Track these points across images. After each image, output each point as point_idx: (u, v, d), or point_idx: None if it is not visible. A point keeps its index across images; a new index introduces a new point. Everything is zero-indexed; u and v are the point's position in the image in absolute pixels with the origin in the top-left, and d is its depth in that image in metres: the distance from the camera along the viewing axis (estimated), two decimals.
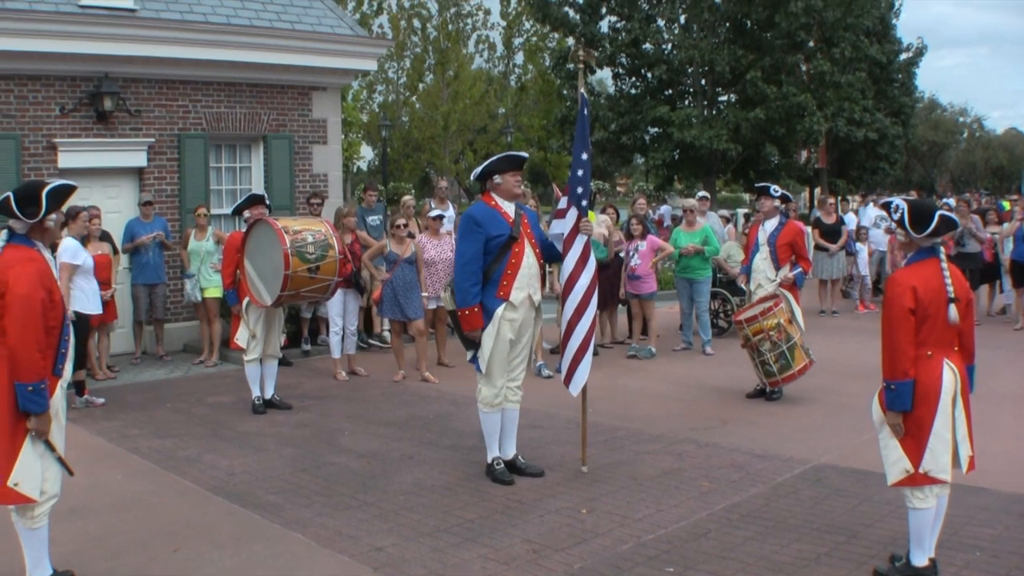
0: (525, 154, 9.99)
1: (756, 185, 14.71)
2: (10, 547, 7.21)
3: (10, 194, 6.60)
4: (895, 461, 6.87)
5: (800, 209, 26.21)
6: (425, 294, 14.85)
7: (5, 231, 6.65)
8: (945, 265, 6.80)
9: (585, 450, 10.03)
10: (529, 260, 9.46)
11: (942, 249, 6.91)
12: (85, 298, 13.03)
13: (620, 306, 17.81)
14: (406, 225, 15.13)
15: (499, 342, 9.33)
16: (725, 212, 24.55)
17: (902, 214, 6.81)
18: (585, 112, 10.12)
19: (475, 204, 9.91)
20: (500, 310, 9.29)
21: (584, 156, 9.92)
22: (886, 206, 7.18)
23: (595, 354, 16.22)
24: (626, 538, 7.94)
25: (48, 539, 6.77)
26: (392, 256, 14.74)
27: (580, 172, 9.88)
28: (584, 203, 9.77)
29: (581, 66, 10.48)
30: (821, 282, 22.18)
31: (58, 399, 6.67)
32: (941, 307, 6.71)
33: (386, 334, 17.54)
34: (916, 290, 6.66)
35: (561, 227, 9.91)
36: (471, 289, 9.26)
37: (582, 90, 10.34)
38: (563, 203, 10.06)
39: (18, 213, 6.51)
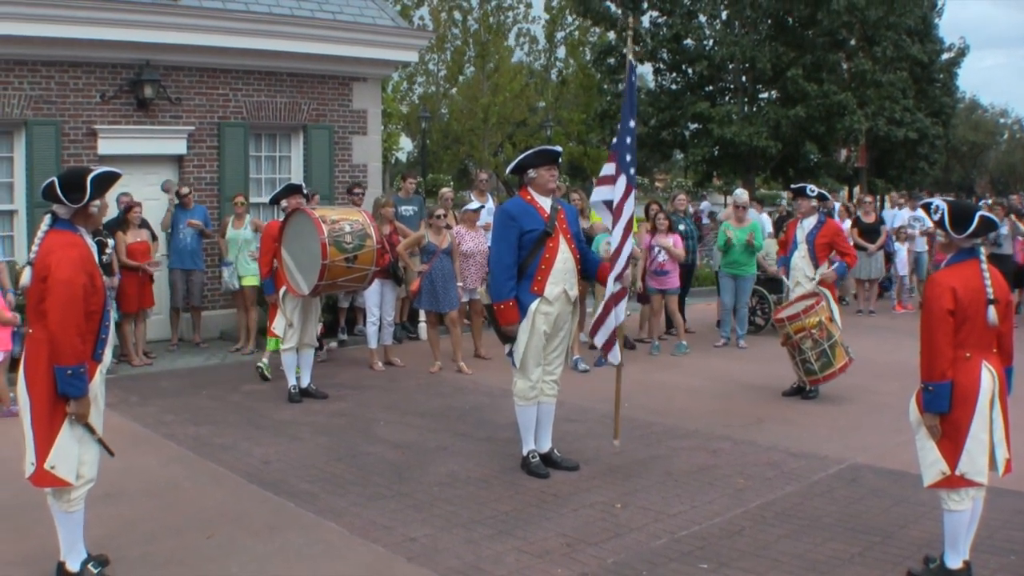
0: (559, 148, 9.94)
1: (792, 186, 14.66)
2: (44, 531, 7.25)
3: (55, 179, 6.62)
4: (932, 463, 6.83)
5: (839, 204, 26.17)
6: (460, 284, 14.83)
7: (48, 216, 6.67)
8: (985, 266, 6.75)
9: (618, 424, 10.02)
10: (564, 255, 9.42)
11: (982, 250, 6.86)
12: None
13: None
14: (444, 215, 15.12)
15: (534, 336, 9.32)
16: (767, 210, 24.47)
17: (942, 215, 6.77)
18: (634, 79, 10.09)
19: (511, 199, 9.89)
20: (535, 304, 9.27)
21: (632, 124, 9.86)
22: (926, 207, 7.12)
23: (632, 348, 16.39)
24: (660, 534, 7.92)
25: (83, 523, 6.79)
26: (431, 247, 14.75)
27: (628, 140, 9.83)
28: (632, 171, 9.73)
29: (630, 32, 10.46)
30: (859, 282, 22.09)
31: (97, 384, 6.70)
32: (980, 309, 6.65)
33: (421, 326, 17.56)
34: (956, 291, 6.61)
35: (608, 194, 9.88)
36: (506, 284, 9.26)
37: (630, 57, 10.27)
38: (609, 169, 9.98)
39: (63, 198, 6.53)
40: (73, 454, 6.57)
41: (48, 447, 6.45)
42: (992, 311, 6.65)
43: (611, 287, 9.69)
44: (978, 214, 6.72)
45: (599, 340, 9.96)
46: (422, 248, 14.91)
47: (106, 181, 6.73)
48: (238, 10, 17.61)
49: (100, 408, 6.82)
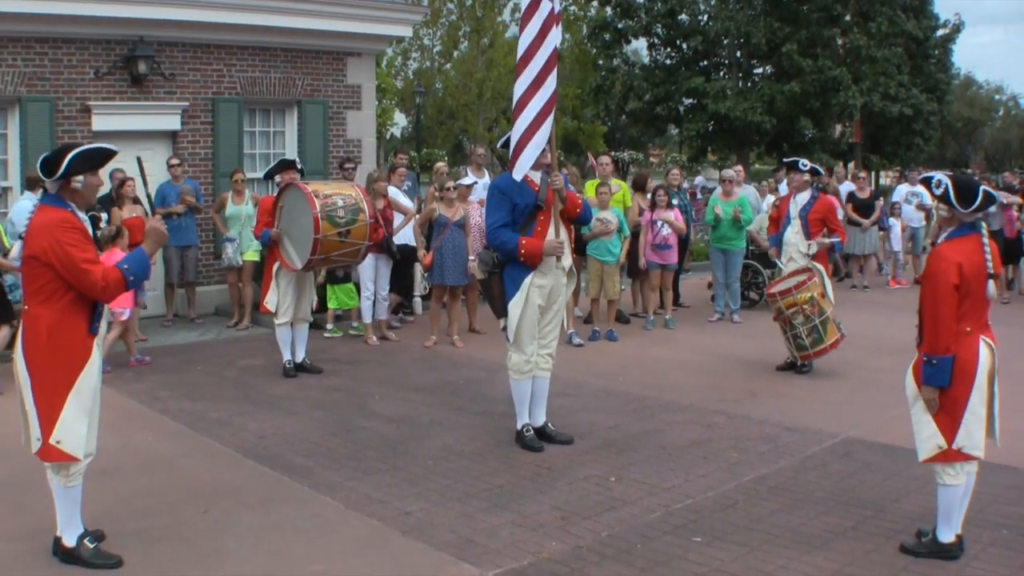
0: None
1: (784, 160, 14.66)
2: (41, 507, 7.27)
3: (45, 155, 6.66)
4: (928, 437, 6.87)
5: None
6: (472, 258, 14.78)
7: (41, 191, 6.70)
8: (987, 240, 6.78)
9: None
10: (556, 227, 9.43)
11: (983, 225, 6.89)
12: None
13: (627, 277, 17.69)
14: (455, 187, 15.13)
15: (527, 309, 9.33)
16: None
17: (945, 189, 6.78)
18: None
19: (502, 175, 9.86)
20: (529, 278, 9.28)
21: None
22: (927, 181, 7.13)
23: (626, 322, 16.43)
24: (654, 507, 7.95)
25: (81, 499, 6.82)
26: (442, 220, 14.75)
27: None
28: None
29: None
30: (853, 257, 22.11)
31: (96, 358, 6.71)
32: (982, 283, 6.69)
33: (416, 300, 17.57)
34: (962, 267, 6.63)
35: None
36: (509, 238, 9.22)
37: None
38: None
39: (40, 171, 6.55)
40: (79, 429, 6.58)
41: (52, 422, 6.48)
42: (992, 285, 6.69)
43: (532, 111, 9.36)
44: (981, 188, 6.76)
45: (517, 175, 9.42)
46: (433, 221, 14.91)
47: (95, 157, 6.71)
48: None
49: (98, 382, 6.84)
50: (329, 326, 15.85)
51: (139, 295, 13.78)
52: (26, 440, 6.66)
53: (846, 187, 22.85)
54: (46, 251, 6.36)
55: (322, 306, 15.43)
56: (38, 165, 6.58)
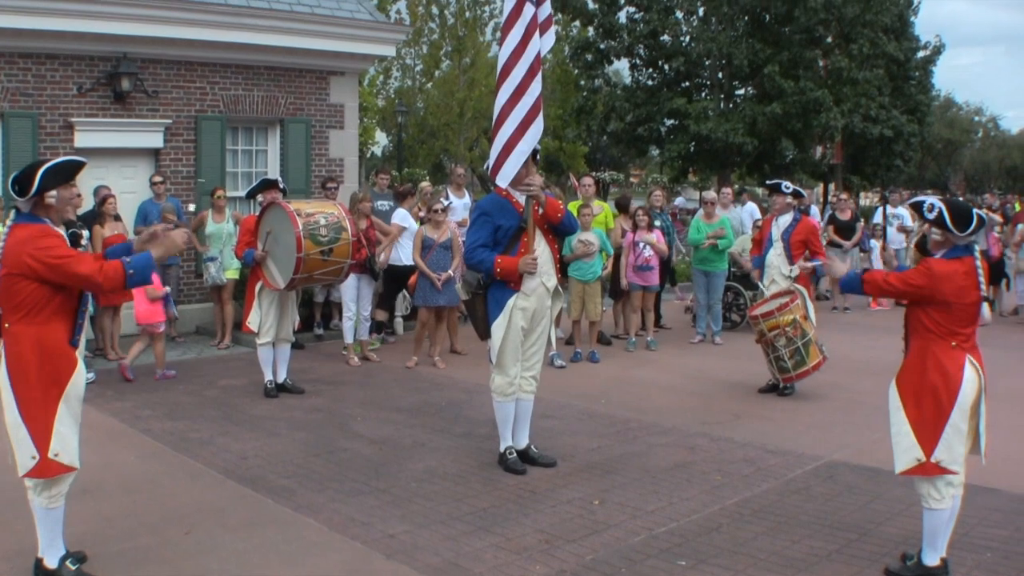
0: (537, 146, 9.74)
1: (767, 182, 14.69)
2: (22, 527, 7.23)
3: (14, 173, 6.65)
4: (907, 449, 6.90)
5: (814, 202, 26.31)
6: (449, 272, 14.72)
7: (13, 211, 6.68)
8: (980, 263, 6.82)
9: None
10: (540, 247, 9.41)
11: (976, 247, 6.93)
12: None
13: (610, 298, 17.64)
14: (445, 210, 15.16)
15: (511, 331, 9.31)
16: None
17: (940, 213, 6.81)
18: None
19: (488, 196, 9.85)
20: (512, 300, 9.27)
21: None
22: (917, 206, 7.15)
23: (608, 343, 16.43)
24: (638, 530, 7.94)
25: (63, 519, 6.78)
26: (428, 241, 14.74)
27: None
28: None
29: None
30: (834, 279, 22.15)
31: (81, 367, 6.68)
32: (966, 301, 6.73)
33: (397, 321, 17.58)
34: (940, 282, 6.70)
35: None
36: (486, 257, 9.21)
37: None
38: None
39: (12, 191, 6.52)
40: (73, 439, 6.60)
41: (48, 436, 6.46)
42: (986, 308, 6.74)
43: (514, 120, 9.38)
44: (975, 211, 6.80)
45: (502, 182, 9.44)
46: (420, 242, 14.89)
47: (66, 170, 6.70)
48: (216, 3, 17.57)
49: (82, 392, 6.83)
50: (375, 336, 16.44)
51: (169, 307, 14.29)
52: (12, 461, 6.60)
53: (814, 211, 22.99)
54: (28, 263, 6.35)
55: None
56: (10, 186, 6.56)
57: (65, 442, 6.53)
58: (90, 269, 6.42)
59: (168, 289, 14.39)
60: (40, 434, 6.46)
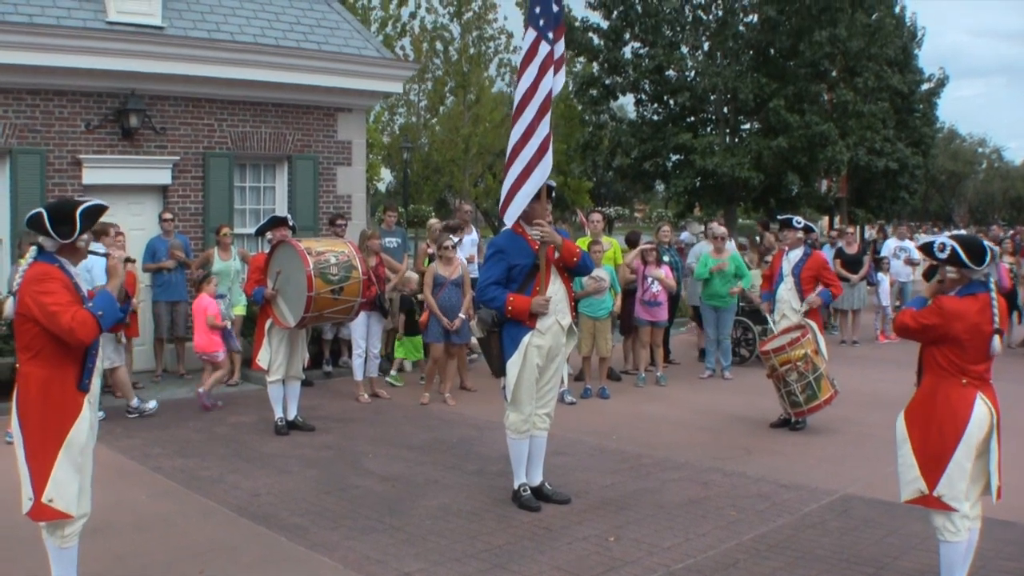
0: (552, 183, 9.77)
1: (778, 217, 14.69)
2: (35, 565, 7.20)
3: (43, 211, 6.58)
4: (911, 481, 6.97)
5: (820, 237, 26.31)
6: (461, 316, 14.70)
7: (34, 248, 6.64)
8: (995, 297, 6.81)
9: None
10: (555, 286, 9.42)
11: (992, 281, 6.92)
12: None
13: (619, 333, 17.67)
14: (455, 246, 15.15)
15: (526, 369, 9.28)
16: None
17: (952, 251, 6.79)
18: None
19: (503, 232, 9.83)
20: (527, 337, 9.24)
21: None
22: (927, 248, 7.12)
23: (617, 379, 16.40)
24: (655, 567, 7.89)
25: (77, 559, 6.74)
26: (439, 279, 14.72)
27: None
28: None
29: None
30: (842, 312, 22.18)
31: (87, 414, 6.64)
32: (979, 339, 6.71)
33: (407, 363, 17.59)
34: (952, 320, 6.70)
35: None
36: (497, 295, 9.20)
37: None
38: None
39: (51, 232, 6.49)
40: (71, 487, 6.53)
41: (44, 480, 6.43)
42: (996, 340, 6.71)
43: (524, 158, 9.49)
44: (986, 244, 6.80)
45: (508, 220, 9.54)
46: (432, 280, 14.87)
47: (95, 214, 6.70)
48: (224, 40, 17.64)
49: (93, 439, 6.80)
50: (393, 372, 16.68)
51: (229, 341, 15.07)
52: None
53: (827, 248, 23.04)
54: (28, 304, 6.37)
55: (387, 355, 15.72)
56: (47, 223, 6.51)
57: (61, 489, 6.49)
58: (62, 320, 6.36)
59: (228, 323, 15.29)
60: (38, 477, 6.46)
